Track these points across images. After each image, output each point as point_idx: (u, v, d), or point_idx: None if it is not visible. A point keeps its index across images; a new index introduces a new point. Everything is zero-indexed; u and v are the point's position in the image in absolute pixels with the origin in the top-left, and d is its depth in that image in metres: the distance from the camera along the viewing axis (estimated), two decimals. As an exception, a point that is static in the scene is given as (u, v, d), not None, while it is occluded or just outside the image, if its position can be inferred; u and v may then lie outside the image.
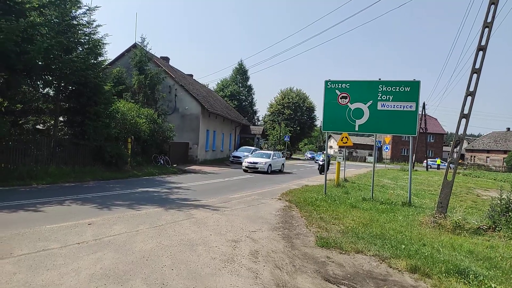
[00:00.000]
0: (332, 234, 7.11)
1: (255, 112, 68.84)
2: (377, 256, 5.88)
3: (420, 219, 8.86)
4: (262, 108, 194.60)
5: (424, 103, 43.04)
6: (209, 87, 50.51)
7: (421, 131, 42.29)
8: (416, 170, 37.02)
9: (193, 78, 38.61)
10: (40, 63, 13.00)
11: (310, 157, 58.03)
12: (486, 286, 4.77)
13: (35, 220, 7.04)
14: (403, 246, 6.32)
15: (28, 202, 8.80)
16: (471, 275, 5.00)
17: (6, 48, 11.06)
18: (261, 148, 40.43)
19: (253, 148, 32.56)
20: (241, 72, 64.38)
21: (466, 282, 4.85)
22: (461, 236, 7.50)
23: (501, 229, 7.87)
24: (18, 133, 14.10)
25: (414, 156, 40.31)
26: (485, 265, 5.58)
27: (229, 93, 59.62)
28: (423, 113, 42.87)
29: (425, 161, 45.28)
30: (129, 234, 6.38)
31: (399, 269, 5.35)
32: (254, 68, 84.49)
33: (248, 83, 65.52)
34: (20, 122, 15.11)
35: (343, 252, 6.06)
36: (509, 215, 7.96)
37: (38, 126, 16.09)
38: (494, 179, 31.10)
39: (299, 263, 5.42)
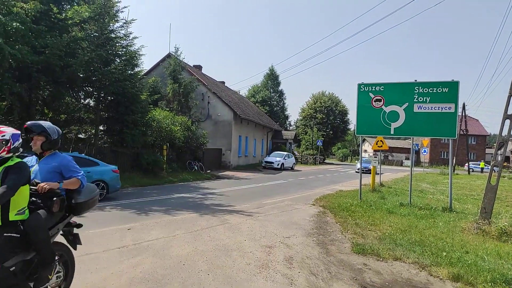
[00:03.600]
0: (368, 241, 6.96)
1: (286, 117, 68.69)
2: (416, 263, 5.69)
3: (462, 225, 8.47)
4: (294, 113, 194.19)
5: (464, 104, 41.15)
6: (240, 93, 51.04)
7: (461, 133, 40.42)
8: (456, 174, 35.41)
9: (225, 85, 39.18)
10: (81, 75, 13.71)
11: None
12: (537, 297, 4.49)
13: (79, 225, 7.39)
14: (444, 254, 6.07)
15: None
16: (520, 285, 4.73)
17: (51, 62, 11.77)
18: (293, 153, 40.23)
19: (285, 153, 32.46)
20: (272, 78, 64.54)
21: (515, 293, 4.59)
22: (508, 244, 7.10)
23: (553, 236, 7.37)
24: (62, 142, 14.88)
25: (454, 159, 38.63)
26: (535, 275, 5.25)
27: (260, 98, 59.89)
28: (463, 114, 41.00)
29: (467, 164, 43.23)
30: (166, 239, 6.56)
31: (441, 277, 5.15)
32: (285, 73, 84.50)
33: (279, 88, 65.55)
34: (64, 131, 15.97)
35: (381, 259, 5.91)
36: (562, 222, 7.44)
37: (80, 135, 16.94)
38: (544, 183, 29.14)
39: (335, 269, 5.35)
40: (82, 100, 16.06)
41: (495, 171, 8.97)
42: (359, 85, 12.24)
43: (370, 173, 20.42)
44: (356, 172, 26.17)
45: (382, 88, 11.88)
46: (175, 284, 4.43)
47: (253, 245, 6.41)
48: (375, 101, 11.87)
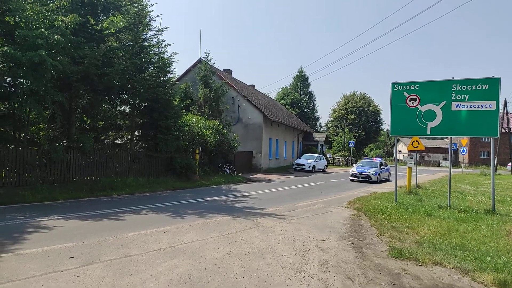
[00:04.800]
0: (406, 245, 6.75)
1: (317, 119, 68.05)
2: (458, 268, 5.46)
3: (507, 229, 8.05)
4: (324, 114, 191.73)
5: (505, 101, 39.11)
6: (270, 96, 51.10)
7: (503, 131, 38.42)
8: (499, 174, 33.65)
9: (255, 88, 39.38)
10: (117, 83, 14.22)
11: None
12: None
13: (117, 228, 7.67)
14: (489, 259, 5.78)
15: (111, 211, 9.61)
16: None
17: (90, 72, 12.32)
18: (324, 155, 39.75)
19: (316, 155, 32.12)
20: (301, 79, 64.28)
21: None
22: (559, 248, 6.66)
23: None
24: (100, 148, 15.53)
25: (496, 158, 36.71)
26: None
27: (290, 100, 59.73)
28: (505, 111, 38.96)
29: (510, 164, 40.97)
30: (201, 242, 6.67)
31: (485, 283, 4.91)
32: (315, 75, 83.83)
33: (309, 89, 65.16)
34: (102, 138, 16.66)
35: (420, 264, 5.71)
36: None
37: (117, 141, 17.59)
38: None
39: (372, 274, 5.23)
40: (118, 107, 16.65)
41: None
42: (393, 84, 11.94)
43: (367, 181, 21.43)
44: (351, 179, 22.13)
45: (417, 86, 11.52)
46: (211, 286, 4.49)
47: (287, 249, 6.39)
48: (410, 100, 11.52)
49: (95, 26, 13.18)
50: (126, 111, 17.07)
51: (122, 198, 12.33)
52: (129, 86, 14.96)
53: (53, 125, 13.88)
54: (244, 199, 12.87)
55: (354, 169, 22.69)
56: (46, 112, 13.03)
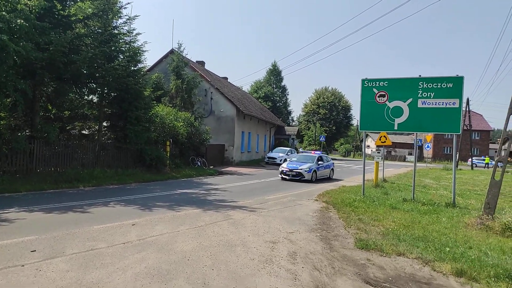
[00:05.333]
0: (372, 236, 6.97)
1: (289, 113, 68.71)
2: (420, 258, 5.70)
3: (466, 221, 8.47)
4: (296, 108, 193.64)
5: (468, 99, 41.04)
6: (243, 89, 50.98)
7: (465, 128, 40.31)
8: (460, 169, 35.30)
9: (228, 80, 39.15)
10: (85, 71, 13.72)
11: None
12: (541, 292, 4.49)
13: (83, 221, 7.45)
14: (448, 249, 6.08)
15: (76, 204, 9.32)
16: (523, 281, 4.73)
17: (55, 59, 11.79)
18: (296, 149, 40.19)
19: (288, 149, 32.45)
20: (275, 73, 64.50)
21: (518, 288, 4.60)
22: (511, 239, 7.10)
23: (557, 231, 7.36)
24: (65, 138, 14.97)
25: (458, 154, 38.43)
26: (539, 270, 5.25)
27: (263, 94, 59.86)
28: (467, 109, 40.87)
29: (470, 159, 43.10)
30: (170, 234, 6.60)
31: (444, 272, 5.16)
32: (288, 69, 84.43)
33: (282, 83, 65.52)
34: (68, 128, 16.05)
35: (384, 255, 5.92)
36: None
37: (83, 132, 17.01)
38: (548, 178, 29.02)
39: (338, 265, 5.37)
40: (86, 97, 16.07)
41: (499, 167, 8.94)
42: (363, 80, 12.20)
43: (299, 179, 17.23)
44: (282, 178, 17.99)
45: (386, 83, 11.84)
46: (180, 279, 4.47)
47: (257, 241, 6.44)
48: (379, 97, 11.83)
49: (61, 12, 12.60)
50: (94, 100, 16.52)
51: (88, 190, 11.98)
52: (97, 75, 14.46)
53: (15, 114, 13.20)
54: (215, 192, 12.84)
55: (284, 165, 18.49)
56: (8, 100, 12.39)
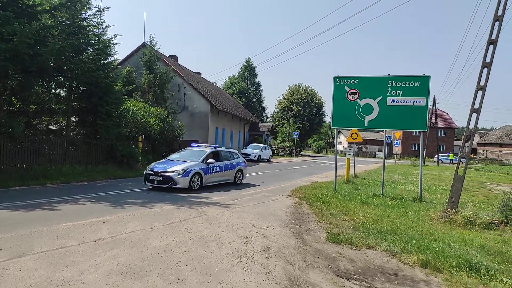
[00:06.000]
0: (342, 230, 7.17)
1: (263, 109, 68.89)
2: (388, 251, 5.93)
3: (431, 215, 8.87)
4: (270, 105, 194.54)
5: (434, 97, 42.62)
6: (217, 85, 50.67)
7: (431, 125, 41.88)
8: (427, 165, 36.71)
9: (202, 76, 38.78)
10: (52, 64, 13.20)
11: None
12: (498, 280, 4.79)
13: (52, 219, 7.23)
14: (414, 241, 6.35)
15: (44, 201, 9.01)
16: (482, 270, 5.03)
17: (20, 50, 11.28)
18: (270, 145, 40.43)
19: (262, 145, 32.62)
20: (249, 70, 64.40)
21: (478, 277, 4.88)
22: (472, 231, 7.50)
23: (513, 223, 7.84)
24: (32, 133, 14.39)
25: (425, 151, 39.93)
26: (496, 260, 5.59)
27: (237, 90, 59.70)
28: (434, 108, 42.46)
29: (436, 156, 44.86)
30: (143, 231, 6.53)
31: (410, 264, 5.40)
32: (262, 65, 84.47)
33: (256, 80, 65.56)
34: (34, 122, 15.44)
35: (354, 248, 6.12)
36: (522, 210, 7.92)
37: (51, 127, 16.40)
38: (507, 173, 30.70)
39: (311, 258, 5.50)
40: (53, 90, 15.48)
41: (462, 163, 9.39)
42: (335, 78, 12.44)
43: (166, 187, 11.64)
44: (146, 184, 12.40)
45: (357, 81, 12.13)
46: (153, 275, 4.44)
47: (231, 236, 6.48)
48: (350, 94, 12.11)
49: (26, 1, 12.05)
50: (62, 94, 15.94)
51: (57, 187, 11.60)
52: (65, 68, 13.94)
53: (-24, 107, 12.56)
54: (189, 188, 12.73)
55: (151, 166, 12.80)
56: (-32, 93, 11.78)
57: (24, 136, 13.14)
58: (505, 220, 8.07)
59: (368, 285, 4.59)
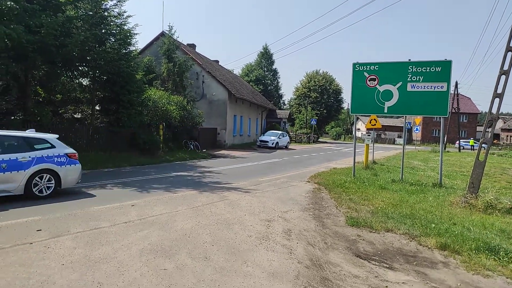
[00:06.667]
0: (362, 214, 7.32)
1: (281, 96, 68.66)
2: (407, 234, 6.06)
3: (451, 200, 8.88)
4: (288, 92, 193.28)
5: (456, 82, 41.49)
6: (234, 72, 50.73)
7: (453, 111, 40.94)
8: (447, 152, 36.08)
9: (219, 64, 38.93)
10: (76, 55, 13.62)
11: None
12: (516, 262, 4.88)
13: (83, 202, 7.66)
14: (433, 225, 6.45)
15: (74, 186, 9.46)
16: (501, 252, 5.11)
17: (47, 42, 11.70)
18: (287, 132, 40.48)
19: (279, 132, 32.71)
20: (266, 57, 64.08)
21: (496, 259, 4.98)
22: (492, 216, 7.52)
23: (535, 208, 7.81)
24: (58, 122, 14.96)
25: (445, 137, 39.17)
26: (516, 243, 5.64)
27: (254, 77, 59.61)
28: (456, 93, 41.41)
29: (457, 142, 43.97)
30: (169, 214, 6.85)
31: (429, 246, 5.52)
32: (279, 53, 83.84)
33: (273, 67, 65.22)
34: (60, 111, 16.03)
35: (373, 231, 6.27)
36: (544, 195, 7.87)
37: (76, 116, 16.98)
38: (532, 160, 29.89)
39: (331, 240, 5.70)
40: (78, 80, 15.98)
41: (484, 148, 9.32)
42: (354, 64, 12.39)
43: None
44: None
45: (376, 67, 12.06)
46: (182, 254, 4.74)
47: (253, 219, 6.74)
48: (369, 80, 12.06)
49: (51, -7, 12.44)
50: (86, 84, 16.45)
51: (84, 174, 12.07)
52: (89, 58, 14.38)
53: (7, 97, 13.14)
54: (210, 174, 13.08)
55: None
56: (-1, 84, 12.34)
57: (52, 125, 13.69)
58: (527, 205, 8.04)
59: (387, 266, 4.76)
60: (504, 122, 71.01)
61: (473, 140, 51.23)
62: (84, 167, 12.77)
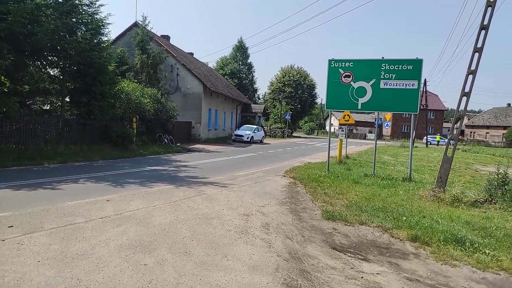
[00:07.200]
0: (337, 208, 7.53)
1: (255, 91, 68.71)
2: (380, 227, 6.30)
3: (420, 193, 9.27)
4: (263, 86, 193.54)
5: (425, 80, 43.02)
6: (209, 65, 50.26)
7: (421, 107, 42.35)
8: (416, 147, 37.40)
9: (194, 56, 38.45)
10: (46, 44, 13.07)
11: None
12: (481, 252, 5.19)
13: (56, 197, 7.43)
14: (404, 218, 6.73)
15: (45, 181, 9.17)
16: (467, 243, 5.43)
17: (15, 30, 11.17)
18: (262, 127, 40.67)
19: (254, 126, 32.83)
20: (241, 50, 63.85)
21: (463, 249, 5.28)
22: (459, 209, 7.92)
23: (497, 201, 8.32)
24: (26, 113, 14.34)
25: (414, 132, 40.51)
26: (480, 234, 6.00)
27: (229, 71, 59.28)
28: (424, 90, 42.88)
29: (425, 137, 45.65)
30: (147, 209, 6.78)
31: (401, 238, 5.78)
32: (255, 48, 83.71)
33: (248, 61, 65.10)
34: (28, 103, 15.36)
35: (348, 224, 6.48)
36: (505, 189, 8.38)
37: (45, 107, 16.33)
38: (493, 155, 31.53)
39: (308, 234, 5.84)
40: (47, 70, 15.35)
41: (451, 144, 9.76)
42: (330, 61, 12.60)
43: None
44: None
45: (351, 64, 12.32)
46: (162, 249, 4.73)
47: (231, 214, 6.79)
48: (344, 77, 12.32)
49: (18, -21, 11.84)
50: (56, 74, 15.83)
51: (54, 167, 11.73)
52: (59, 47, 13.79)
53: (-31, 87, 12.46)
54: (185, 169, 12.98)
55: None
56: (-39, 73, 11.67)
57: (19, 116, 13.13)
58: (490, 199, 8.54)
59: (362, 257, 4.95)
60: (469, 119, 74.31)
61: (439, 136, 53.39)
62: (53, 161, 12.49)
